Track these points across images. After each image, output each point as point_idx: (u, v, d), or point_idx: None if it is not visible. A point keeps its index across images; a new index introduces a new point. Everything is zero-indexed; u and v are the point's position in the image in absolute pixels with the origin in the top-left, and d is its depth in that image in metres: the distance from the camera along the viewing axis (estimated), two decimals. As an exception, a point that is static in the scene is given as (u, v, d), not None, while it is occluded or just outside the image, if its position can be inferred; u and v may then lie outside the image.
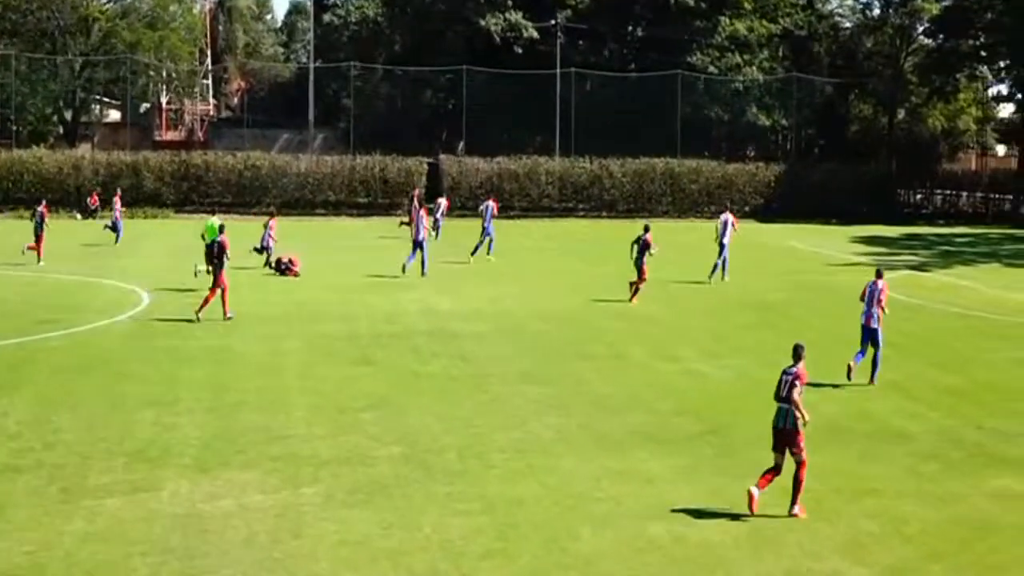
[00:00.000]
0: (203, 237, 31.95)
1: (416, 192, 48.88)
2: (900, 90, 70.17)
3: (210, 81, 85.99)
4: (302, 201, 58.37)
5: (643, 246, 31.15)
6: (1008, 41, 65.58)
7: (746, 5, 70.32)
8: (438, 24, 67.90)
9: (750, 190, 62.46)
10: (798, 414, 14.20)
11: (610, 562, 12.79)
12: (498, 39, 66.51)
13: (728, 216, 36.57)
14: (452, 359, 23.21)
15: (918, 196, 71.29)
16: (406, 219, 47.02)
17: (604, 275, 36.64)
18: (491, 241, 40.40)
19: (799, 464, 14.30)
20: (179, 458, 16.10)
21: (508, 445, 17.10)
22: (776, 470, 14.35)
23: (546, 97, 64.20)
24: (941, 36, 69.88)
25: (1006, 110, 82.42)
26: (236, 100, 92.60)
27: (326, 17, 73.23)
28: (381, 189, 59.45)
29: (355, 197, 59.25)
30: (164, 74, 76.72)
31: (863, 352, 21.94)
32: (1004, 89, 74.14)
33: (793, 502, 14.31)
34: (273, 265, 35.81)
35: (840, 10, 77.93)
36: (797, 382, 14.30)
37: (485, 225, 40.23)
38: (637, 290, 31.28)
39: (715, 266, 35.78)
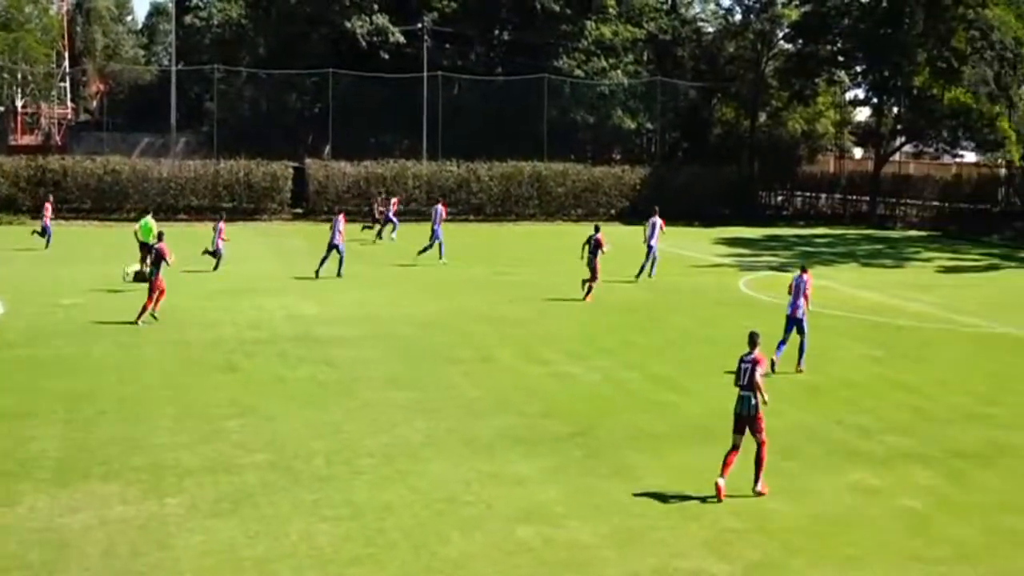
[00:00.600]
0: (136, 235, 33.45)
1: (391, 199, 51.58)
2: (761, 94, 71.72)
3: (68, 84, 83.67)
4: (164, 206, 57.23)
5: (595, 246, 32.60)
6: (864, 46, 67.59)
7: (611, 10, 71.18)
8: (303, 27, 67.20)
9: (616, 193, 63.21)
10: (761, 397, 15.21)
11: (480, 565, 12.85)
12: (364, 42, 66.15)
13: (656, 219, 38.23)
14: (319, 365, 23.03)
15: (779, 198, 72.96)
16: (369, 223, 50.99)
17: (472, 279, 36.76)
18: (440, 244, 40.81)
19: (760, 444, 15.28)
20: (37, 471, 15.67)
21: (377, 450, 17.04)
22: (735, 449, 15.27)
23: (413, 100, 64.07)
24: (800, 41, 71.57)
25: (862, 114, 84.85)
26: (95, 103, 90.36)
27: (188, 19, 71.91)
28: (246, 194, 58.61)
29: (219, 202, 58.29)
30: (19, 76, 74.49)
31: (784, 342, 23.31)
32: (860, 93, 76.26)
33: (756, 480, 15.33)
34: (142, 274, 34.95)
35: (703, 15, 79.48)
36: (757, 367, 15.25)
37: (435, 228, 40.99)
38: (590, 289, 32.41)
39: (642, 267, 37.50)
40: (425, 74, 64.37)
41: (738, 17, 75.55)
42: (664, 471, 16.38)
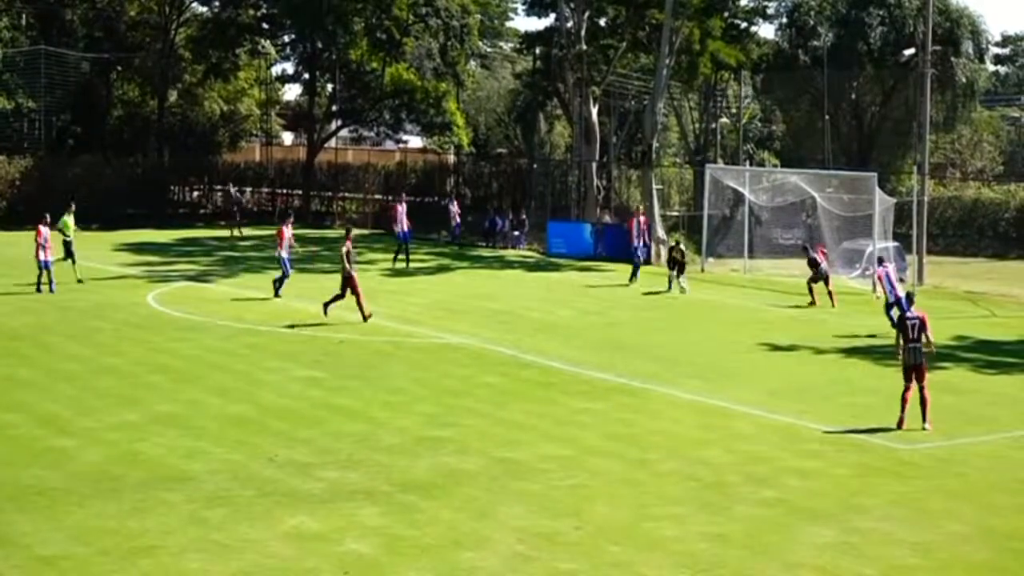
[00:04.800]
0: (62, 232, 40.47)
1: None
2: (172, 68, 71.21)
3: None
4: None
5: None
6: (291, 11, 67.72)
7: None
8: None
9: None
10: (930, 347, 22.54)
11: None
12: None
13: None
14: None
15: (195, 194, 73.03)
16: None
17: None
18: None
19: (922, 389, 22.23)
20: None
21: None
22: (908, 390, 22.18)
23: None
24: (217, 4, 71.18)
25: (292, 92, 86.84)
26: None
27: None
28: None
29: None
30: None
31: None
32: (290, 68, 77.40)
33: (924, 419, 22.21)
34: None
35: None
36: (926, 321, 22.35)
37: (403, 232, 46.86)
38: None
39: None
40: None
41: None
42: (61, 534, 15.84)
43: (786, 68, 71.79)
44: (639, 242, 47.19)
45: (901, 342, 22.49)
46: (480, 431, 22.11)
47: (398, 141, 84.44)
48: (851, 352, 31.11)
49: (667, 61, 54.70)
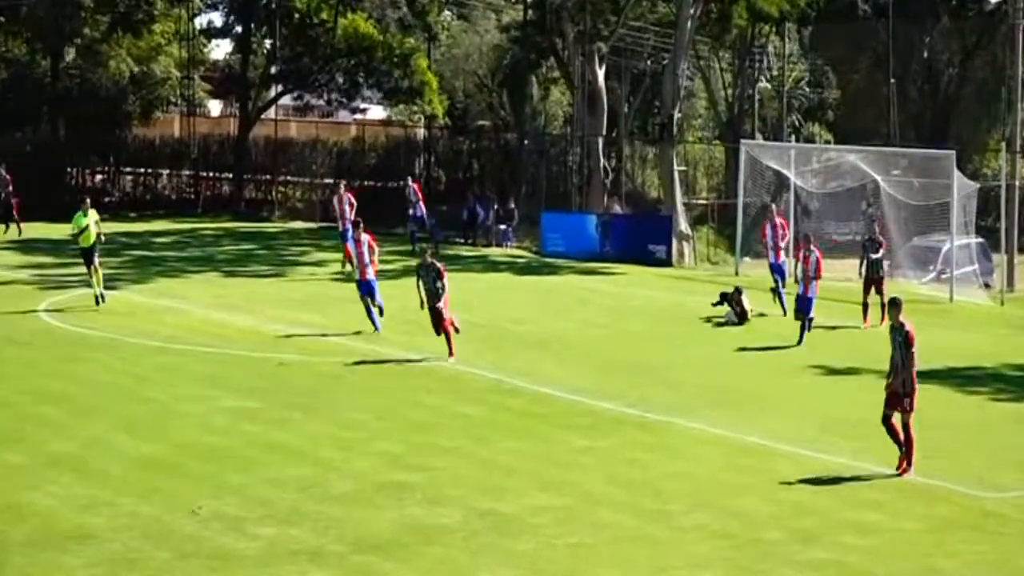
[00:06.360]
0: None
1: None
2: (69, 19, 70.93)
3: None
4: None
5: None
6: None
7: None
8: None
9: None
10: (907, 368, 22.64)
11: None
12: None
13: None
14: None
15: (99, 177, 72.76)
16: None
17: None
18: None
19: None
20: None
21: None
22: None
23: None
24: (125, -64, 71.25)
25: (220, 50, 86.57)
26: None
27: None
28: None
29: None
30: None
31: None
32: (217, 19, 77.27)
33: (900, 465, 22.31)
34: None
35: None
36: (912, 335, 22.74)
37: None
38: None
39: None
40: None
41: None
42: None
43: (842, 19, 71.87)
44: (778, 258, 40.74)
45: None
46: (456, 475, 22.09)
47: (354, 111, 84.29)
48: (923, 376, 30.84)
49: (692, 11, 54.80)
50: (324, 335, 34.13)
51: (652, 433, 25.33)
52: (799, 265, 36.30)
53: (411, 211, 54.36)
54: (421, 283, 31.47)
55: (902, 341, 22.60)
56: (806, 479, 22.24)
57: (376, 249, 34.71)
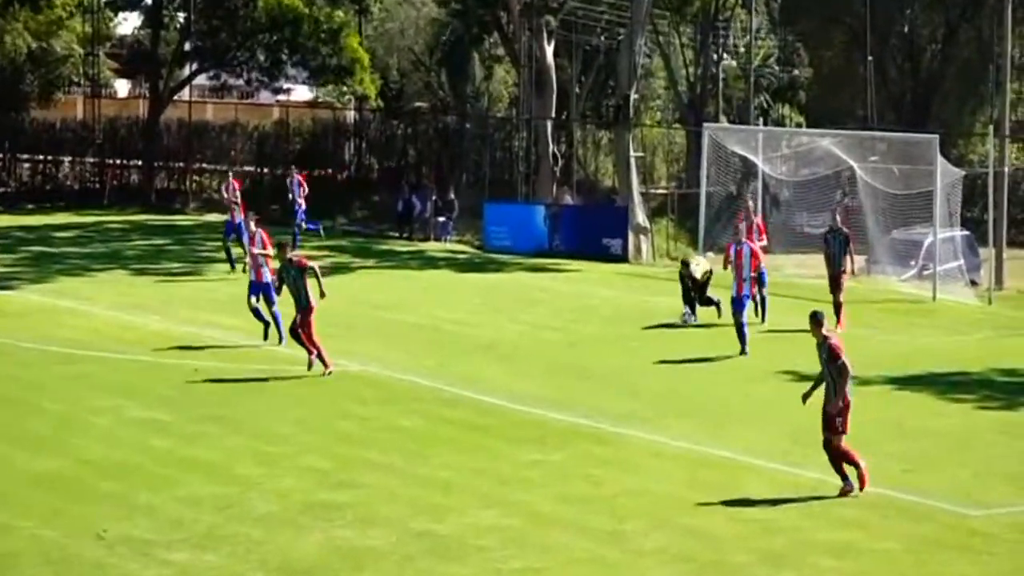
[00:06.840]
0: None
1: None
2: (-43, -12, 70.86)
3: None
4: None
5: None
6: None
7: None
8: None
9: None
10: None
11: None
12: None
13: None
14: None
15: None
16: None
17: None
18: None
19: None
20: None
21: None
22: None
23: None
24: None
25: (128, 24, 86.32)
26: None
27: None
28: None
29: None
30: None
31: None
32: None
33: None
34: None
35: None
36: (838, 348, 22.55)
37: None
38: None
39: None
40: None
41: None
42: None
43: (814, -10, 72.30)
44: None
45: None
46: (390, 493, 22.08)
47: (277, 92, 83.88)
48: (904, 383, 31.27)
49: (650, -19, 54.93)
50: (245, 341, 34.02)
51: (607, 446, 25.37)
52: (732, 259, 34.61)
53: (295, 206, 53.05)
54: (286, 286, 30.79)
55: (827, 358, 22.52)
56: (775, 496, 22.32)
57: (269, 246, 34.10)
